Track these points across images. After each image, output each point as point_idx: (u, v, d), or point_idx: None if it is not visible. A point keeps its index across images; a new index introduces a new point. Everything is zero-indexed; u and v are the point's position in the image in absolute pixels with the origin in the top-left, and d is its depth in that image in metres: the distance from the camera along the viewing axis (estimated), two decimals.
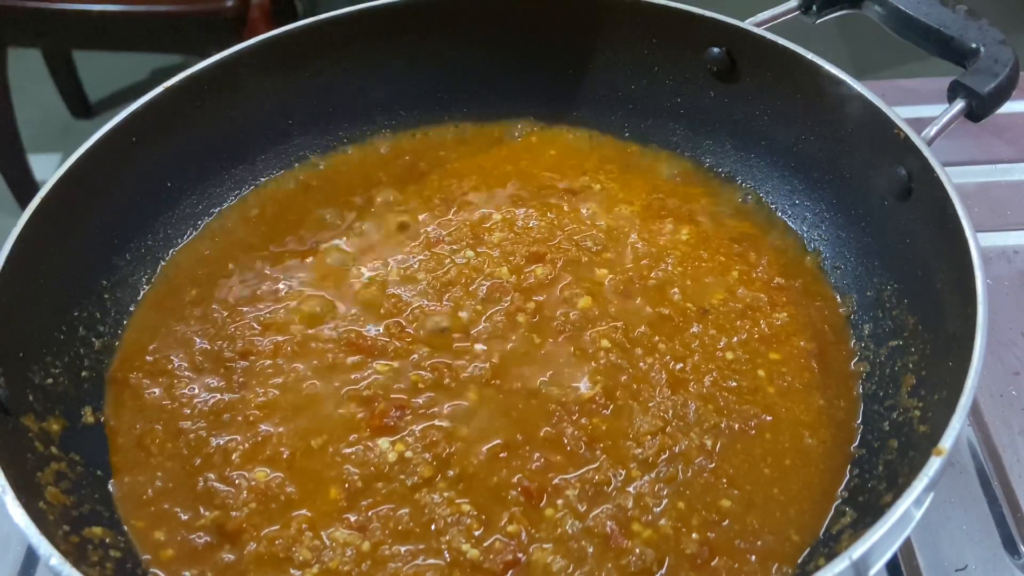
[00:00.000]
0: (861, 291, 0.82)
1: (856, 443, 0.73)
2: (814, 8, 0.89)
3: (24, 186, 2.32)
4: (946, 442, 0.59)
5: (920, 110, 0.99)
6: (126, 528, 0.69)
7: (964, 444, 0.81)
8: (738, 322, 0.81)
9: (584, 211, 0.92)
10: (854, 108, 0.81)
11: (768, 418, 0.74)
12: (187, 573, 0.67)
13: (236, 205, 0.93)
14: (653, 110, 0.96)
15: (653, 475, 0.70)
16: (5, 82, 2.22)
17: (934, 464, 0.58)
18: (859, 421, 0.75)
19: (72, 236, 0.79)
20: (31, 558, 0.76)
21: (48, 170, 2.17)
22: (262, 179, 0.95)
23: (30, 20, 2.11)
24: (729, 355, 0.78)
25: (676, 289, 0.84)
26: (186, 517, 0.69)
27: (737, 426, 0.74)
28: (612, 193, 0.94)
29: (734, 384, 0.76)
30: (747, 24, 0.88)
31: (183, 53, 2.47)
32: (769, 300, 0.83)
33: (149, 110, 0.84)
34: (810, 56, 0.84)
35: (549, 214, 0.91)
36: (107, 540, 0.66)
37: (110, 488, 0.71)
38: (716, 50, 0.90)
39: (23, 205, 2.47)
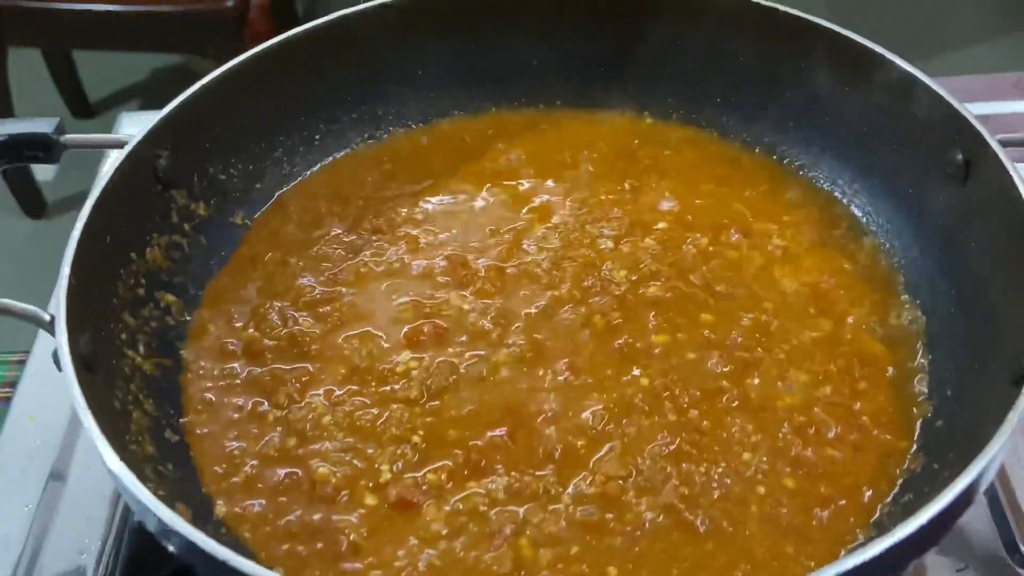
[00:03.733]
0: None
1: None
2: None
3: (24, 186, 2.30)
4: None
5: None
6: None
7: None
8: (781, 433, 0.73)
9: (744, 252, 0.86)
10: None
11: None
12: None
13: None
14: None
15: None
16: (5, 82, 2.21)
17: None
18: None
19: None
20: (31, 557, 0.77)
21: (48, 170, 2.24)
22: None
23: (30, 20, 2.10)
24: (746, 456, 0.71)
25: (757, 374, 0.77)
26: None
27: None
28: (788, 250, 0.86)
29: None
30: None
31: (183, 53, 2.45)
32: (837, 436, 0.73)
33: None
34: None
35: (712, 248, 0.86)
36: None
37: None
38: None
39: (23, 205, 2.35)
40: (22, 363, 0.88)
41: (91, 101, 2.61)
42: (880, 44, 0.83)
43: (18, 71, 2.25)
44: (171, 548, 0.59)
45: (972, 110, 0.77)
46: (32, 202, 2.34)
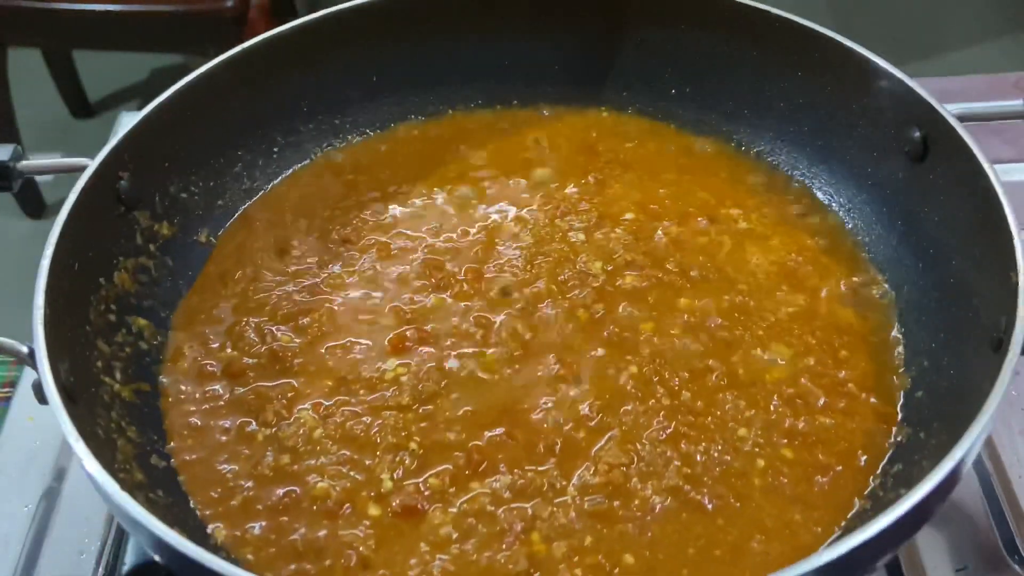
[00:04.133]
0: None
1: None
2: None
3: (24, 186, 2.36)
4: None
5: None
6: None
7: None
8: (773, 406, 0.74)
9: (713, 237, 0.88)
10: None
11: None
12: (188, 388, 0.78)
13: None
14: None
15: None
16: (5, 82, 2.19)
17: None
18: None
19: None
20: (31, 558, 0.76)
21: None
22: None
23: (30, 20, 2.08)
24: (741, 431, 0.73)
25: (741, 352, 0.78)
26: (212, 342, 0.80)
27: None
28: (755, 232, 0.89)
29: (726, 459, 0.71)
30: None
31: (183, 53, 2.43)
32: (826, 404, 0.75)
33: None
34: None
35: (681, 235, 0.88)
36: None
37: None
38: None
39: (23, 206, 2.34)
40: (22, 363, 0.85)
41: (91, 101, 2.58)
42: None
43: (18, 71, 2.23)
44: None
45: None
46: (32, 202, 2.29)
